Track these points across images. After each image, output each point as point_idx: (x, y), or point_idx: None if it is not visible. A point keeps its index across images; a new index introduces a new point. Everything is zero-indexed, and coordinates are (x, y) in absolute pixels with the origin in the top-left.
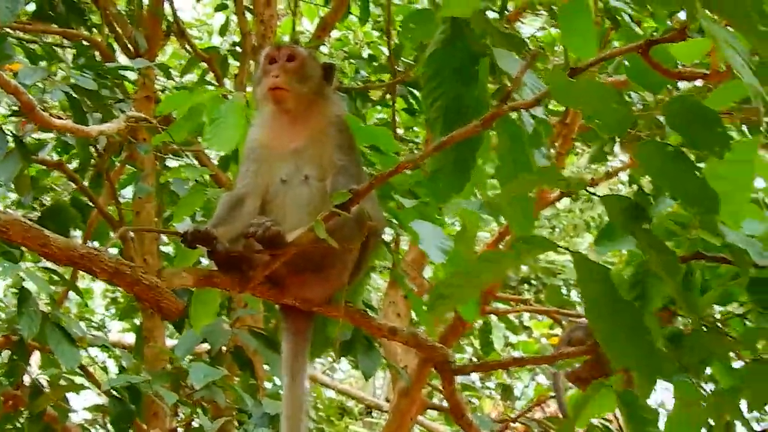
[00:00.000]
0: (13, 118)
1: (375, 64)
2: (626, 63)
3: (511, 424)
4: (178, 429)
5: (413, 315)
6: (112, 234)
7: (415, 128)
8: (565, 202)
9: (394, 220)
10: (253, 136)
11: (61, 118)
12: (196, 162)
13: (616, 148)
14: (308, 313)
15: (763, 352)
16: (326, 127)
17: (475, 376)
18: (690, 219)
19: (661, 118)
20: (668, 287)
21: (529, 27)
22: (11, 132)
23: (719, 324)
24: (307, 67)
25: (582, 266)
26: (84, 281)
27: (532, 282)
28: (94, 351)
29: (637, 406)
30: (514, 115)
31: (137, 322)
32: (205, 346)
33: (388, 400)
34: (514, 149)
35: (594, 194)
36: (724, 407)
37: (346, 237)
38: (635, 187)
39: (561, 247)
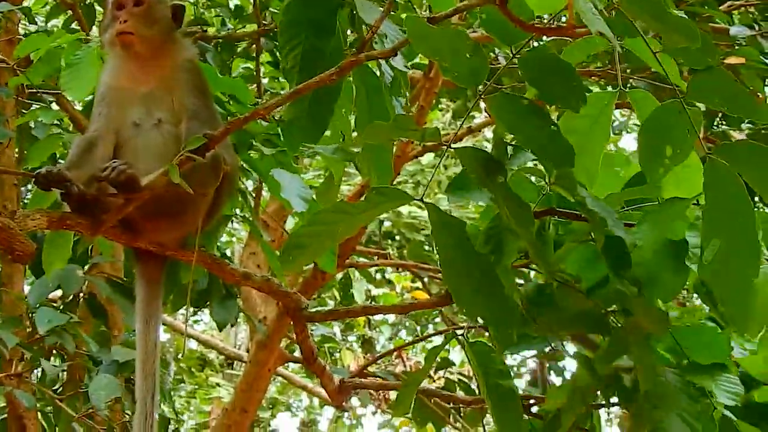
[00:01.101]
0: None
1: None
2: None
3: (375, 380)
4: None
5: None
6: None
7: (280, 79)
8: (430, 158)
9: (253, 170)
10: (104, 79)
11: None
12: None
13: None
14: (162, 258)
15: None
16: (177, 71)
17: (337, 330)
18: (546, 174)
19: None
20: (522, 241)
21: None
22: None
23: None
24: (154, 11)
25: (436, 218)
26: None
27: (396, 238)
28: None
29: (489, 358)
30: (373, 65)
31: None
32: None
33: (249, 352)
34: (372, 99)
35: (449, 146)
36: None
37: (200, 182)
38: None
39: (416, 199)
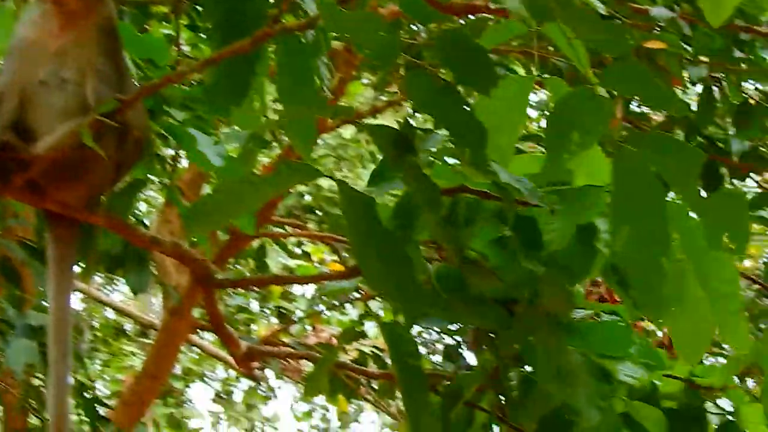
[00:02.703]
0: None
1: None
2: None
3: (284, 348)
4: None
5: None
6: None
7: (200, 45)
8: (353, 131)
9: (169, 134)
10: (17, 31)
11: None
12: None
13: None
14: (73, 221)
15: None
16: (92, 30)
17: (254, 302)
18: (460, 153)
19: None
20: (430, 219)
21: None
22: None
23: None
24: None
25: (345, 194)
26: None
27: (316, 212)
28: None
29: (399, 337)
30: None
31: None
32: None
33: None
34: (294, 62)
35: (360, 123)
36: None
37: (109, 144)
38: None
39: (324, 175)
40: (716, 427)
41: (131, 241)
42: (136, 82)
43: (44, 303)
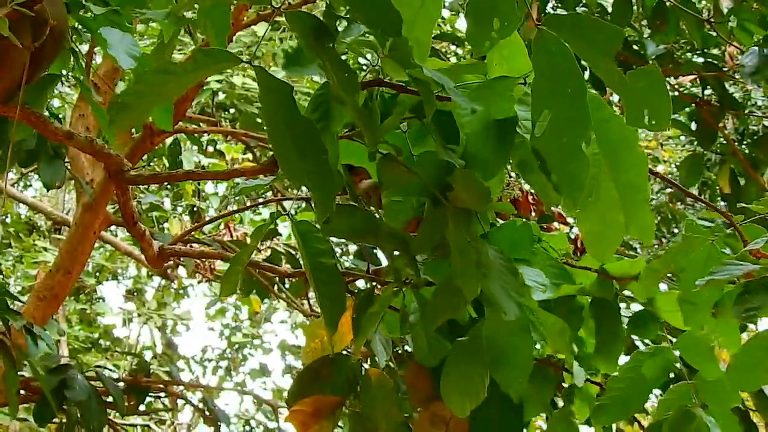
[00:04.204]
0: None
1: None
2: None
3: (197, 247)
4: None
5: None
6: None
7: None
8: (265, 27)
9: (83, 27)
10: None
11: None
12: None
13: None
14: None
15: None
16: None
17: (167, 200)
18: (377, 46)
19: None
20: (348, 109)
21: None
22: None
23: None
24: None
25: (263, 81)
26: None
27: (230, 110)
28: None
29: (312, 235)
30: None
31: None
32: None
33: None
34: None
35: (278, 9)
36: None
37: (25, 35)
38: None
39: (244, 62)
40: (629, 317)
41: (46, 136)
42: None
43: None
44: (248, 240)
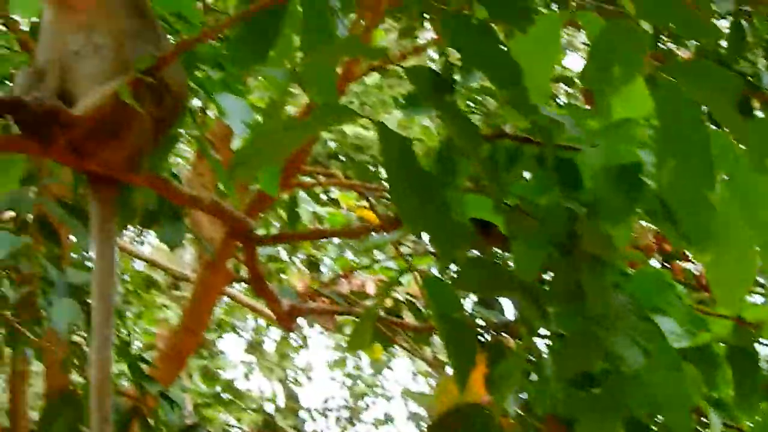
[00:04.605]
0: None
1: None
2: None
3: (325, 305)
4: None
5: (220, 187)
6: None
7: None
8: (375, 78)
9: (201, 91)
10: (44, 12)
11: None
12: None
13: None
14: (113, 180)
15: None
16: None
17: (283, 250)
18: (499, 94)
19: None
20: (472, 162)
21: None
22: None
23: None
24: None
25: (385, 135)
26: None
27: (341, 159)
28: None
29: (441, 290)
30: None
31: None
32: (11, 214)
33: (195, 272)
34: (317, 19)
35: (399, 66)
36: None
37: (147, 102)
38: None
39: (363, 116)
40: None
41: (172, 200)
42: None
43: (83, 260)
44: (367, 289)
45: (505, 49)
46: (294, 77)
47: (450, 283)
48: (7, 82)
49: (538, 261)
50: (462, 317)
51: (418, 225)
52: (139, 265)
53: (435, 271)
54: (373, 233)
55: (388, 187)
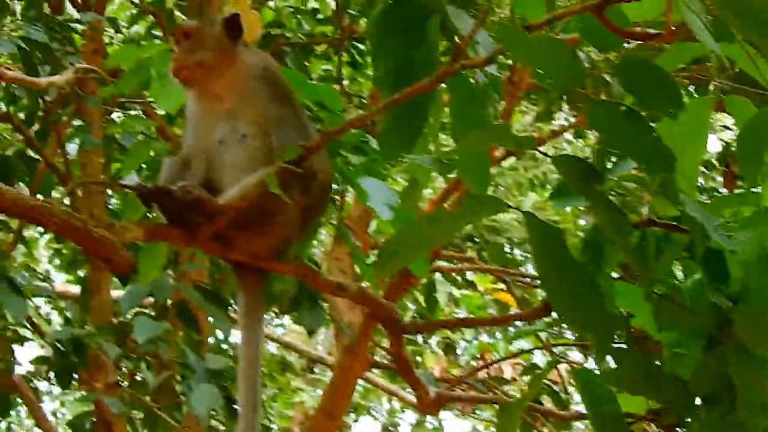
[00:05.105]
0: None
1: (319, 17)
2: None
3: (470, 393)
4: (122, 383)
5: (357, 271)
6: (59, 187)
7: (359, 79)
8: (510, 160)
9: (341, 176)
10: (188, 102)
11: (11, 70)
12: (143, 115)
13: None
14: (259, 269)
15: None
16: (248, 81)
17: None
18: (647, 182)
19: (608, 77)
20: (620, 251)
21: None
22: None
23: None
24: (202, 35)
25: (534, 227)
26: (28, 231)
27: (476, 240)
28: (37, 302)
29: (592, 383)
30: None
31: (81, 274)
32: (149, 299)
33: (330, 354)
34: (468, 106)
35: (545, 154)
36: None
37: (294, 191)
38: (580, 143)
39: (512, 207)
40: None
41: (317, 288)
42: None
43: (221, 345)
44: (505, 374)
45: (657, 136)
46: (444, 168)
47: (602, 376)
48: (143, 166)
49: (695, 355)
50: (615, 409)
51: (573, 317)
52: (272, 347)
53: (576, 358)
54: (518, 322)
55: (538, 278)
